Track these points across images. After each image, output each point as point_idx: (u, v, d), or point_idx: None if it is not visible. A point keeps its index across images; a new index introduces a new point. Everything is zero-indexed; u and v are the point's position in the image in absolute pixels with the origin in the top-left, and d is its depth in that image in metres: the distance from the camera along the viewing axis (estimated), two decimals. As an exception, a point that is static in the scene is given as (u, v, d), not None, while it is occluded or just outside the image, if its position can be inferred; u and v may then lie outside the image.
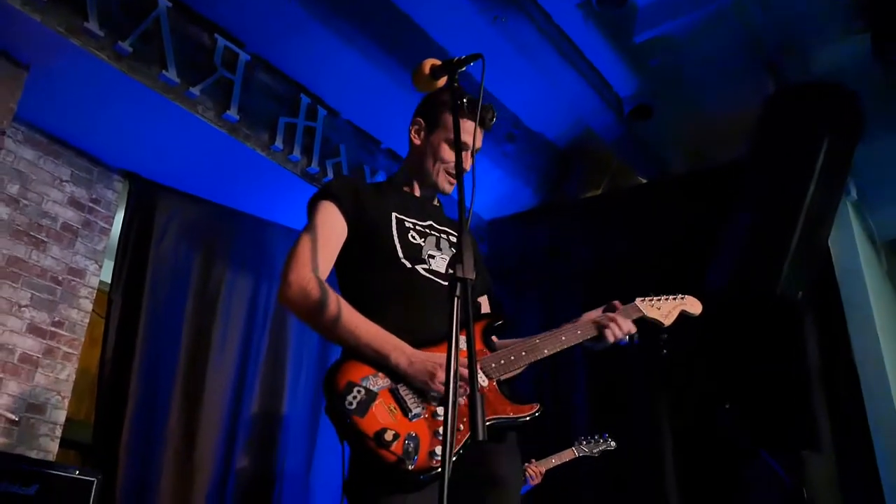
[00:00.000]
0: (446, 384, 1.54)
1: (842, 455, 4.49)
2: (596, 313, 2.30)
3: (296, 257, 2.04)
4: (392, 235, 2.17)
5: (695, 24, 4.96)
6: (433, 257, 2.20)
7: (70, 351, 4.55)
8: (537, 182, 6.25)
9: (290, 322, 5.48)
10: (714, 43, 5.08)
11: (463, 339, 1.92)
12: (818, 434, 4.50)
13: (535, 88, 5.46)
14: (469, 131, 2.22)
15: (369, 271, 2.15)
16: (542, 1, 4.82)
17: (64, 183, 4.73)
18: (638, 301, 2.43)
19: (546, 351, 2.14)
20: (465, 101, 2.20)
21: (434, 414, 1.86)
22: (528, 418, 2.00)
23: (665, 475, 4.97)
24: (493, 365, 2.03)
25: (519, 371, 2.12)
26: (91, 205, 4.86)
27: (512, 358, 2.07)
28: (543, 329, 6.13)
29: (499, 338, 2.23)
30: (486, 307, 2.42)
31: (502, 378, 2.04)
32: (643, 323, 2.40)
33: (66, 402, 4.49)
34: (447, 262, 2.19)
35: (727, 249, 4.76)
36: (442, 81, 2.09)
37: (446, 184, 2.31)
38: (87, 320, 4.70)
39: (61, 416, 4.44)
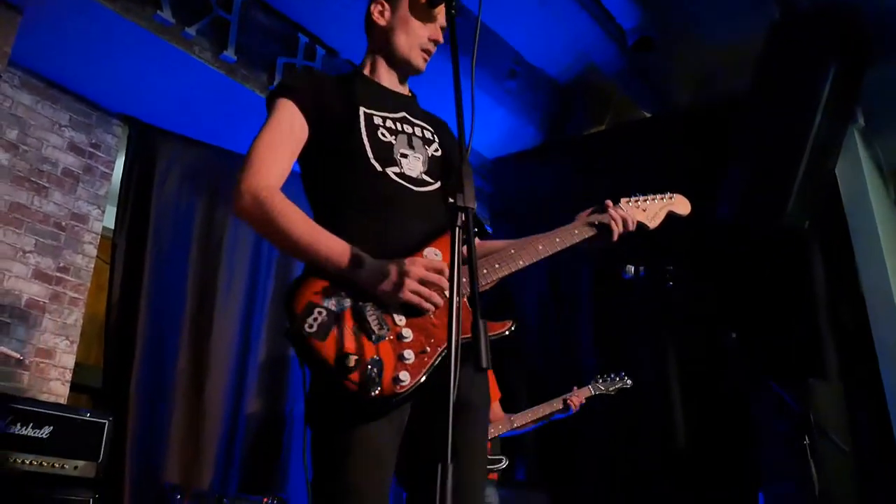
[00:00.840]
0: (449, 326, 1.46)
1: (849, 383, 4.51)
2: (589, 212, 2.16)
3: (248, 165, 1.84)
4: (360, 133, 1.95)
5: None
6: (405, 157, 1.99)
7: (76, 296, 4.57)
8: (540, 119, 6.18)
9: (295, 264, 5.48)
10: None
11: (432, 252, 1.83)
12: (825, 362, 4.52)
13: (537, 22, 5.36)
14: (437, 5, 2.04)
15: (335, 175, 1.95)
16: (543, -70, 4.71)
17: (63, 128, 4.69)
18: (623, 202, 2.25)
19: (521, 262, 1.96)
20: None
21: (399, 335, 1.71)
22: (500, 336, 1.86)
23: (672, 408, 5.01)
24: (464, 279, 1.74)
25: (493, 283, 1.95)
26: (91, 150, 4.82)
27: (484, 271, 1.90)
28: (548, 271, 6.14)
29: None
30: None
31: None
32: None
33: (75, 346, 4.52)
34: (421, 161, 2.00)
35: (734, 180, 4.72)
36: (439, 9, 2.02)
37: (420, 59, 2.09)
38: (92, 265, 4.71)
39: (70, 360, 4.48)
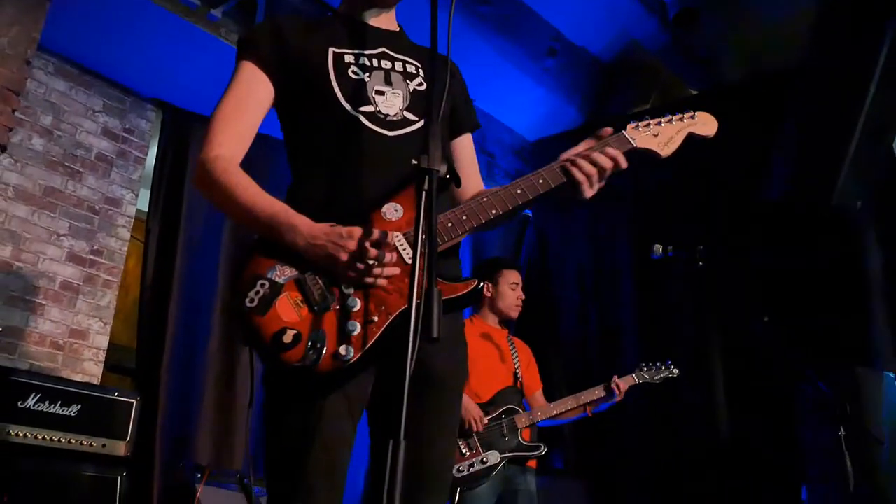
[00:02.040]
0: (409, 300, 1.35)
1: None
2: (568, 152, 1.85)
3: (205, 136, 1.79)
4: (328, 74, 1.82)
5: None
6: (381, 94, 1.85)
7: (110, 278, 4.65)
8: (581, 99, 6.00)
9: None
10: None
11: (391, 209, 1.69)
12: (875, 350, 4.25)
13: (574, -1, 5.20)
14: None
15: (304, 123, 1.85)
16: None
17: (97, 113, 4.77)
18: (629, 128, 1.92)
19: (493, 211, 1.76)
20: None
21: (345, 305, 1.60)
22: (462, 298, 1.71)
23: (715, 397, 4.80)
24: (423, 236, 1.55)
25: (459, 238, 1.78)
26: (125, 135, 4.89)
27: (450, 225, 1.73)
28: (592, 256, 5.97)
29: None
30: (464, 151, 2.09)
31: (438, 250, 1.63)
32: (635, 155, 1.90)
33: (108, 328, 4.60)
34: (401, 97, 1.86)
35: (781, 159, 4.49)
36: None
37: None
38: (126, 248, 4.78)
39: (104, 341, 4.56)
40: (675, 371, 4.20)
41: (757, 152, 4.71)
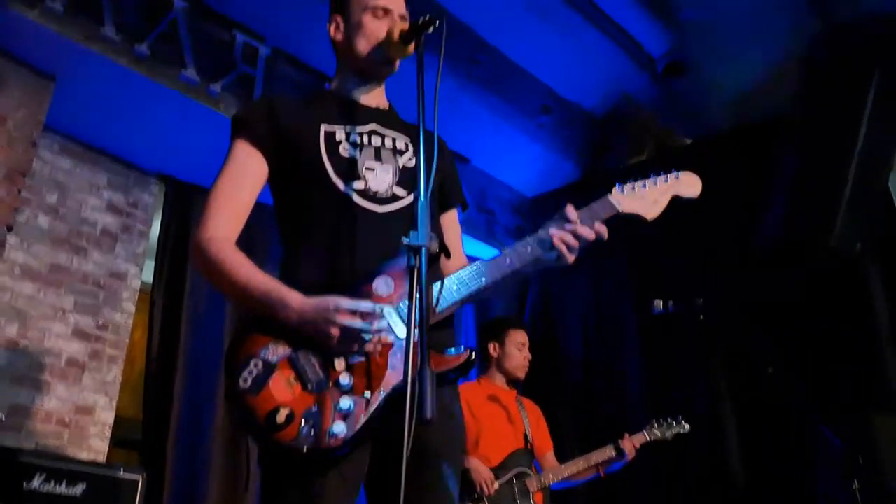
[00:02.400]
0: (405, 376, 1.38)
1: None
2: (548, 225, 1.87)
3: (202, 216, 1.85)
4: (319, 152, 1.87)
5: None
6: (371, 170, 1.90)
7: (115, 353, 4.66)
8: (578, 154, 6.08)
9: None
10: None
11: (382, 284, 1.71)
12: (889, 394, 4.20)
13: (564, 56, 5.31)
14: None
15: (296, 198, 1.89)
16: (559, -37, 4.68)
17: (101, 189, 4.85)
18: (614, 192, 1.96)
19: (483, 280, 1.79)
20: None
21: (338, 382, 1.62)
22: (455, 370, 1.72)
23: (729, 450, 4.73)
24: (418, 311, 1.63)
25: (451, 311, 1.81)
26: (129, 209, 4.96)
27: (441, 297, 1.76)
28: (592, 309, 5.94)
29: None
30: (450, 226, 2.14)
31: (431, 323, 1.68)
32: (618, 220, 1.94)
33: (114, 403, 4.59)
34: (391, 174, 1.91)
35: (776, 202, 4.51)
36: (412, 47, 1.90)
37: (384, 62, 1.99)
38: (131, 322, 4.80)
39: (110, 416, 4.55)
40: (687, 426, 4.14)
41: (753, 196, 4.73)
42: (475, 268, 1.82)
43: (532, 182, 6.23)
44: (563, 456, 4.14)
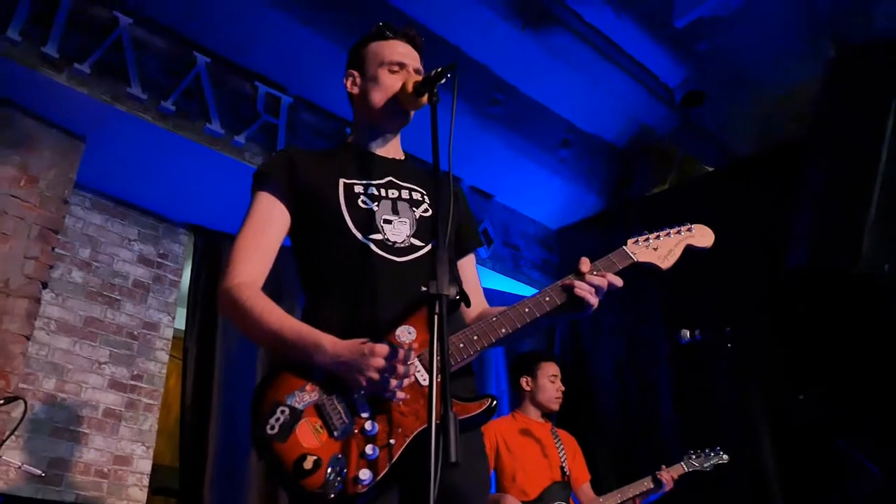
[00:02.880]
0: (428, 421, 1.41)
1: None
2: (567, 278, 1.91)
3: (227, 264, 1.91)
4: (339, 205, 1.93)
5: (739, -2, 4.76)
6: (389, 223, 1.95)
7: (150, 402, 4.74)
8: (600, 185, 6.11)
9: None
10: (763, 14, 4.85)
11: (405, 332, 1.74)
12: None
13: (581, 91, 5.37)
14: (401, 52, 2.07)
15: (317, 249, 1.95)
16: (571, 2, 4.73)
17: (132, 242, 4.96)
18: (629, 243, 2.02)
19: (503, 330, 1.83)
20: (382, 25, 2.10)
21: (363, 429, 1.66)
22: (476, 417, 1.75)
23: (766, 475, 4.66)
24: (437, 357, 1.64)
25: (471, 358, 1.85)
26: (160, 260, 5.07)
27: (461, 345, 1.81)
28: (623, 339, 5.92)
29: (460, 312, 1.97)
30: (468, 270, 2.18)
31: (451, 370, 1.71)
32: (636, 269, 2.00)
33: (151, 451, 4.66)
34: (408, 225, 1.96)
35: (802, 227, 4.48)
36: (426, 98, 1.94)
37: (399, 114, 2.06)
38: (165, 371, 4.88)
39: (147, 465, 4.61)
40: (725, 457, 4.10)
41: (778, 223, 4.70)
42: (495, 317, 1.86)
43: (556, 215, 6.26)
44: (598, 487, 4.11)
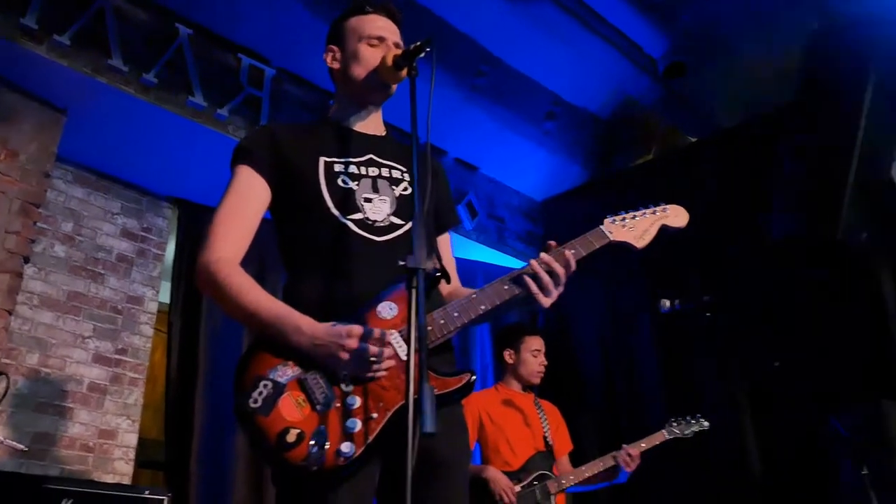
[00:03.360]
0: (406, 393, 1.43)
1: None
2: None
3: (207, 238, 1.89)
4: (318, 183, 1.94)
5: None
6: (369, 201, 1.95)
7: (136, 376, 4.74)
8: (584, 156, 6.12)
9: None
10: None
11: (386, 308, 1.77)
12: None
13: (566, 63, 5.37)
14: (380, 25, 2.07)
15: (297, 227, 1.95)
16: (556, -27, 4.72)
17: (115, 216, 4.93)
18: (606, 223, 2.05)
19: (483, 307, 1.85)
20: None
21: (345, 403, 1.68)
22: (455, 392, 1.78)
23: (746, 444, 4.75)
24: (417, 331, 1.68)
25: (451, 334, 1.86)
26: (143, 234, 5.04)
27: (442, 322, 1.83)
28: (606, 311, 5.96)
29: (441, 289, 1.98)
30: (444, 248, 2.20)
31: (431, 346, 1.80)
32: (612, 248, 2.04)
33: (137, 425, 4.67)
34: (388, 203, 1.96)
35: (782, 198, 4.53)
36: (405, 72, 1.95)
37: (380, 87, 2.05)
38: (150, 345, 4.88)
39: (133, 439, 4.62)
40: (706, 423, 4.13)
41: (760, 192, 4.74)
42: (475, 294, 1.88)
43: (541, 186, 6.27)
44: (583, 457, 4.15)
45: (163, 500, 3.96)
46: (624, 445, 3.93)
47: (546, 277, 1.84)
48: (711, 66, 5.31)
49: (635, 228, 2.07)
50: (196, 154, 4.81)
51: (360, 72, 2.06)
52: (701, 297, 3.41)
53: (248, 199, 1.94)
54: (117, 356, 4.70)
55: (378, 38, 2.07)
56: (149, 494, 3.95)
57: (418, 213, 1.65)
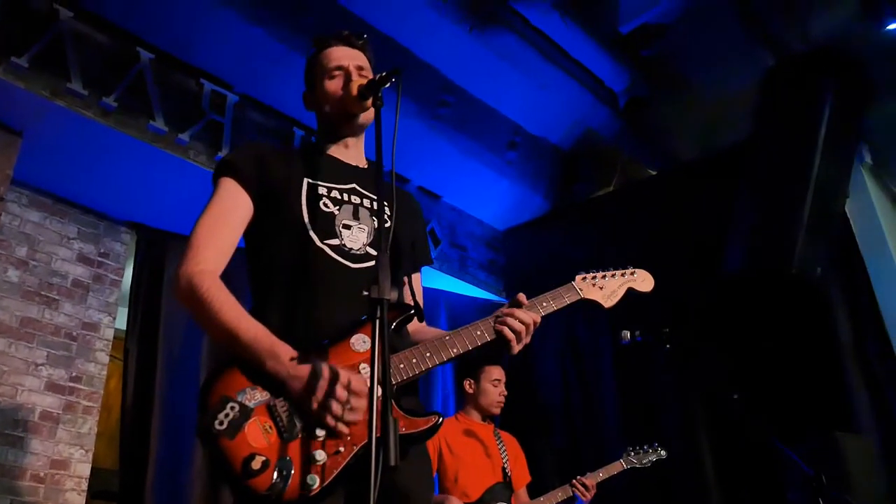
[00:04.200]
0: (370, 427, 1.42)
1: (884, 433, 4.26)
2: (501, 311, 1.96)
3: (186, 249, 1.86)
4: (300, 204, 1.93)
5: (683, 5, 4.87)
6: (348, 228, 1.96)
7: (90, 404, 4.63)
8: (546, 187, 6.18)
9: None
10: (706, 23, 4.98)
11: (359, 340, 1.77)
12: (853, 413, 4.29)
13: (528, 94, 5.44)
14: (337, 56, 2.09)
15: (273, 248, 1.92)
16: (519, 6, 4.78)
17: (71, 240, 4.84)
18: (577, 279, 2.15)
19: (455, 350, 1.87)
20: (316, 39, 2.16)
21: (312, 434, 1.66)
22: (424, 433, 1.79)
23: (704, 475, 4.79)
24: (391, 370, 1.74)
25: (422, 374, 1.86)
26: (100, 259, 4.96)
27: (413, 360, 1.83)
28: (568, 342, 5.97)
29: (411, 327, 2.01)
30: (415, 286, 2.17)
31: (399, 385, 1.81)
32: (582, 304, 2.15)
33: (90, 455, 4.56)
34: (366, 233, 1.97)
35: (739, 231, 4.61)
36: (370, 102, 1.96)
37: (347, 119, 2.07)
38: (105, 373, 4.78)
39: (86, 469, 4.51)
40: (663, 452, 4.17)
41: (717, 226, 4.83)
42: (448, 337, 1.90)
43: (503, 216, 6.32)
44: (543, 488, 4.15)
45: (115, 532, 3.90)
46: (579, 476, 3.94)
47: (520, 328, 1.89)
48: (671, 100, 5.42)
49: (605, 288, 2.20)
50: (156, 179, 4.77)
51: (328, 107, 2.10)
52: (661, 329, 3.44)
53: (231, 212, 1.93)
54: (71, 384, 4.59)
55: (337, 69, 2.08)
56: (100, 527, 3.88)
57: (384, 244, 1.66)
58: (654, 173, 6.04)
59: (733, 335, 4.63)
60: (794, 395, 4.32)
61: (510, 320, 1.89)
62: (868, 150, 5.01)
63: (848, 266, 4.68)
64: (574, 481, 3.93)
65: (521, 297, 1.96)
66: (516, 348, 1.89)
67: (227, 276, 1.88)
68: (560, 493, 3.92)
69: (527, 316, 1.90)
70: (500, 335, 1.89)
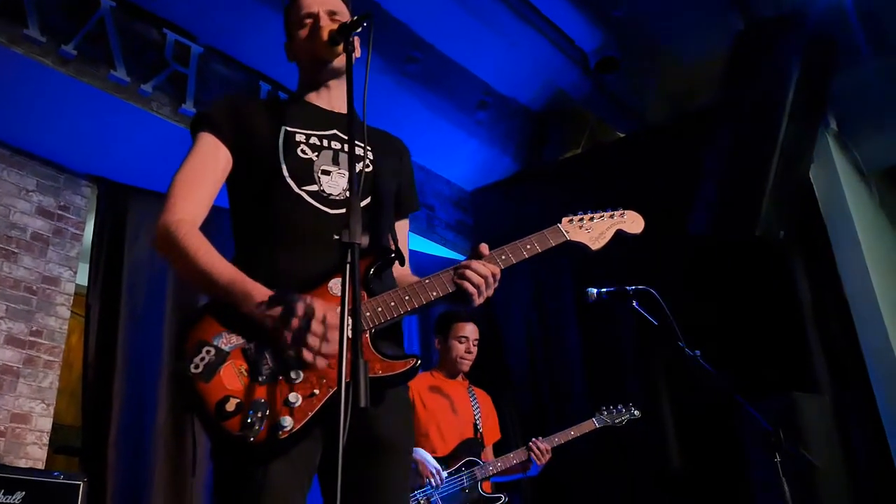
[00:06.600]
0: (339, 372, 1.42)
1: (839, 394, 4.38)
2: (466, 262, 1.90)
3: (166, 201, 1.85)
4: (277, 151, 1.93)
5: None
6: (327, 174, 1.95)
7: (51, 359, 4.57)
8: (515, 148, 6.17)
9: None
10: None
11: (337, 284, 1.74)
12: (811, 374, 4.40)
13: (498, 52, 5.38)
14: (311, 2, 2.06)
15: (252, 197, 1.93)
16: (491, -39, 4.72)
17: (30, 193, 4.73)
18: (564, 221, 2.08)
19: (434, 293, 1.84)
20: None
21: (288, 377, 1.66)
22: (400, 376, 1.76)
23: (665, 432, 4.89)
24: (368, 314, 1.78)
25: (400, 317, 1.85)
26: (60, 212, 4.85)
27: (392, 304, 1.81)
28: (534, 302, 5.99)
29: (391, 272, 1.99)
30: (401, 233, 2.17)
31: (377, 328, 1.79)
32: (568, 247, 2.07)
33: (52, 409, 4.51)
34: (346, 178, 1.94)
35: (705, 193, 4.65)
36: (341, 47, 1.94)
37: (320, 65, 2.05)
38: (66, 327, 4.71)
39: (47, 423, 4.46)
40: (637, 412, 4.19)
41: (685, 188, 4.86)
42: (427, 281, 1.88)
43: (471, 176, 6.30)
44: (510, 448, 4.17)
45: (78, 485, 3.87)
46: (534, 439, 3.97)
47: (479, 280, 1.85)
48: (642, 62, 5.41)
49: (592, 230, 2.10)
50: (118, 131, 4.66)
51: (302, 55, 2.09)
52: (625, 287, 3.48)
53: (210, 165, 1.92)
54: (32, 338, 4.52)
55: (307, 16, 2.06)
56: (63, 479, 3.85)
57: (356, 188, 1.65)
58: (622, 136, 6.04)
59: (698, 295, 4.69)
60: (756, 355, 4.40)
61: (468, 272, 1.85)
62: (833, 118, 5.06)
63: (810, 230, 4.74)
64: (531, 443, 3.95)
65: (483, 247, 1.92)
66: (477, 301, 1.86)
67: (209, 238, 1.88)
68: (513, 457, 3.95)
69: (484, 268, 1.86)
70: (459, 288, 1.86)
